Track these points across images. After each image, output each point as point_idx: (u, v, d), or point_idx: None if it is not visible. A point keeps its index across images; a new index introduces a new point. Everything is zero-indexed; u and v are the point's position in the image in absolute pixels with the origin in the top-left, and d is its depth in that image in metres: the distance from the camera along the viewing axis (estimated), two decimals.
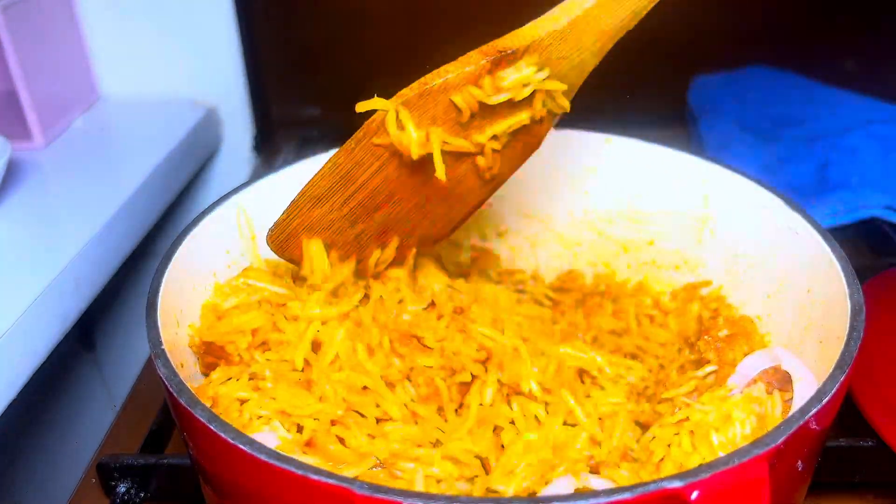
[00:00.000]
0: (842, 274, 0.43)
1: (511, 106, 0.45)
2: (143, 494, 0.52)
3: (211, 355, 0.47)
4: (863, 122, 0.82)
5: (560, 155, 0.59)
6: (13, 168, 0.77)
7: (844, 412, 0.56)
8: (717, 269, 0.55)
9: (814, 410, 0.34)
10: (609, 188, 0.59)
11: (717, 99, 0.91)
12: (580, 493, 0.30)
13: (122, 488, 0.52)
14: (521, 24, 0.45)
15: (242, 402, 0.43)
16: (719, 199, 0.53)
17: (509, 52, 0.43)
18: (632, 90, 1.00)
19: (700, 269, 0.56)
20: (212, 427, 0.34)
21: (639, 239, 0.58)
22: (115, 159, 0.85)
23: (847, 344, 0.38)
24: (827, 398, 0.34)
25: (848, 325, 0.39)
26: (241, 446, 0.33)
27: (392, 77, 1.10)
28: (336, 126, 0.97)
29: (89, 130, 0.89)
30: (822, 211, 0.75)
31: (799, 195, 0.79)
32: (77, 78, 0.92)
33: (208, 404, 0.41)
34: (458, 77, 0.43)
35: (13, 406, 0.57)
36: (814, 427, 0.35)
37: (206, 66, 0.94)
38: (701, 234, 0.55)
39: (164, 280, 0.45)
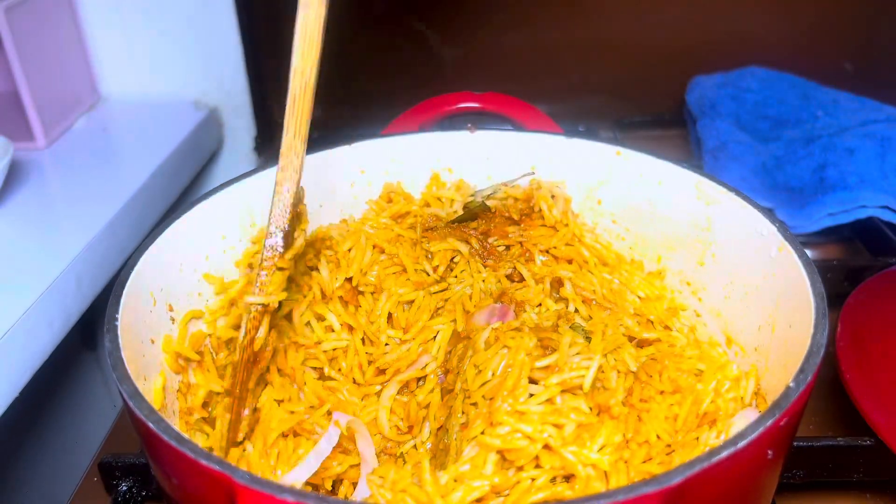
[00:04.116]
0: (813, 313, 0.40)
1: None
2: (144, 493, 0.53)
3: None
4: (860, 123, 0.82)
5: (570, 164, 0.59)
6: (15, 168, 0.77)
7: (842, 411, 0.56)
8: (716, 294, 0.53)
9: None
10: (618, 201, 0.58)
11: (716, 99, 0.91)
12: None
13: (123, 487, 0.52)
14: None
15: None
16: (721, 222, 0.52)
17: None
18: (632, 91, 1.00)
19: (701, 293, 0.55)
20: (131, 404, 0.35)
21: (646, 255, 0.58)
22: (116, 160, 0.85)
23: (786, 394, 0.35)
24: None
25: (799, 366, 0.37)
26: (150, 424, 0.34)
27: (391, 78, 1.10)
28: (336, 126, 0.98)
29: (91, 131, 0.89)
30: (820, 211, 0.75)
31: (796, 196, 0.79)
32: (79, 78, 0.92)
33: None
34: None
35: (15, 405, 0.58)
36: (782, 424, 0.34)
37: (207, 66, 0.94)
38: (703, 257, 0.54)
39: (142, 258, 0.45)
